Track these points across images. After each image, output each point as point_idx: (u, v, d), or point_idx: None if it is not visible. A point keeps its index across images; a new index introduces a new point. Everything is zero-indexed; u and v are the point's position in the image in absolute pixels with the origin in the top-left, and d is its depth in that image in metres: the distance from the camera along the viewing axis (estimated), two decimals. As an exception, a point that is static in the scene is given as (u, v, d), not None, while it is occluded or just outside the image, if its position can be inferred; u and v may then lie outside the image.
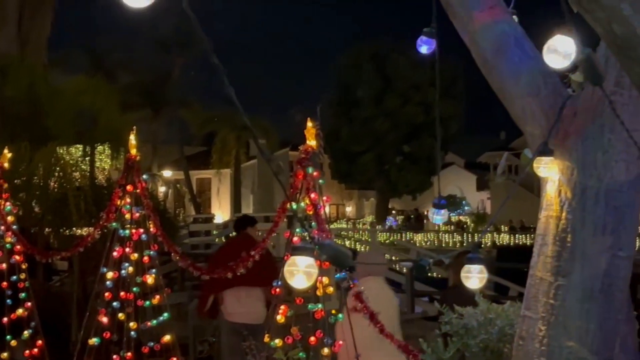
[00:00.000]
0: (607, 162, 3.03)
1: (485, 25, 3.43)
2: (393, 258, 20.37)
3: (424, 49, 3.61)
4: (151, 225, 8.33)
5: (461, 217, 50.82)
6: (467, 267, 2.66)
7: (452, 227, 43.67)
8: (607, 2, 2.23)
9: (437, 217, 3.58)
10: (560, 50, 2.17)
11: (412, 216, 49.48)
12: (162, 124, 39.06)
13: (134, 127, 8.55)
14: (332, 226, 37.47)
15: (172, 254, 7.89)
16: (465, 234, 39.29)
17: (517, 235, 36.92)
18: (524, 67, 3.30)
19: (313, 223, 7.25)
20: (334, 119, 49.13)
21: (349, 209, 60.58)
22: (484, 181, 58.36)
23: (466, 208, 55.82)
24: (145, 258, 8.11)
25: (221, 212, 42.64)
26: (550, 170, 3.12)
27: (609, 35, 2.29)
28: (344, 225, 46.74)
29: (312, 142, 7.81)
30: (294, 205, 7.09)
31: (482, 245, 35.53)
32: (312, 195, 7.25)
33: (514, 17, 4.64)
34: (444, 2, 3.55)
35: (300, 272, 2.05)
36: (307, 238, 6.99)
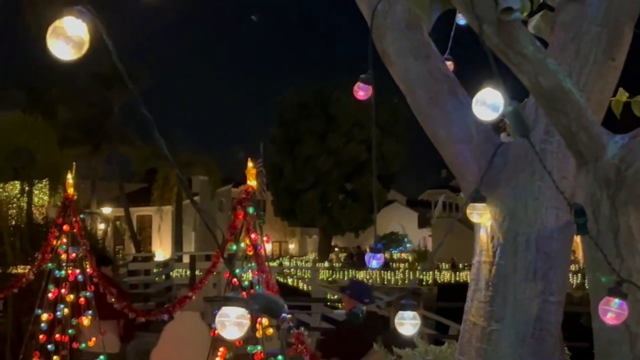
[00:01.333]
0: (538, 209, 3.09)
1: (420, 74, 3.50)
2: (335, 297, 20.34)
3: (360, 95, 3.65)
4: (88, 266, 8.19)
5: (403, 255, 51.16)
6: (400, 313, 2.67)
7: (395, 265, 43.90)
8: (533, 56, 2.30)
9: (374, 261, 3.59)
10: (489, 103, 2.23)
11: (354, 254, 49.61)
12: (102, 160, 38.63)
13: (73, 164, 8.45)
14: (274, 264, 37.28)
15: (108, 295, 7.76)
16: (407, 271, 39.51)
17: (458, 272, 37.30)
18: (457, 115, 3.37)
19: (253, 263, 7.23)
20: (278, 156, 49.27)
21: (292, 246, 60.48)
22: (426, 218, 58.99)
23: (408, 245, 56.26)
24: (82, 299, 7.96)
25: (162, 250, 42.09)
26: (482, 217, 3.17)
27: (536, 88, 2.36)
28: (287, 263, 46.57)
29: (252, 183, 7.82)
30: (233, 246, 7.07)
31: (424, 283, 35.80)
32: (252, 236, 7.24)
33: (451, 63, 4.75)
34: (380, 50, 3.61)
35: (232, 323, 2.04)
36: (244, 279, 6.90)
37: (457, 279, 36.19)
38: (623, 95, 5.00)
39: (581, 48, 3.06)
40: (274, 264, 38.18)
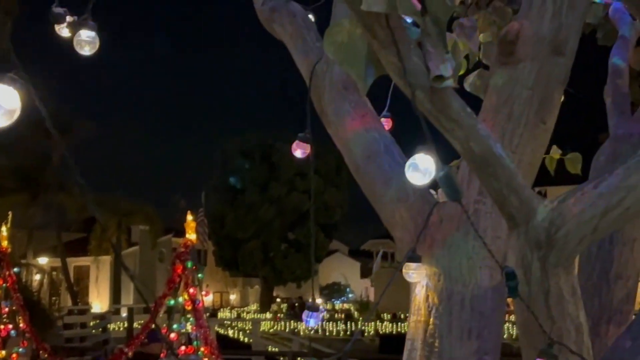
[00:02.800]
0: (472, 269, 3.13)
1: (357, 133, 3.55)
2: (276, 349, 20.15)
3: (298, 154, 3.68)
4: (21, 321, 7.96)
5: (345, 305, 51.00)
6: None
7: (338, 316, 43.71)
8: (465, 122, 2.35)
9: (311, 320, 3.58)
10: (421, 168, 2.27)
11: (296, 304, 49.28)
12: (39, 208, 37.82)
13: (9, 214, 8.27)
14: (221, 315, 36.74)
15: (41, 352, 7.56)
16: (349, 322, 39.35)
17: (400, 323, 37.30)
18: (393, 174, 3.42)
19: (191, 318, 7.13)
20: (220, 205, 48.96)
21: (233, 297, 59.78)
22: (368, 268, 59.07)
23: (350, 296, 56.15)
24: (14, 355, 7.73)
25: (99, 302, 41.16)
26: (418, 276, 3.20)
27: (468, 153, 2.41)
28: (228, 314, 45.98)
29: (191, 236, 7.75)
30: (171, 301, 6.97)
31: (365, 334, 35.66)
32: (191, 290, 7.15)
33: (388, 120, 4.82)
34: (318, 109, 3.66)
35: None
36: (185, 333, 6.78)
37: (400, 330, 36.18)
38: (556, 153, 5.15)
39: (513, 111, 3.14)
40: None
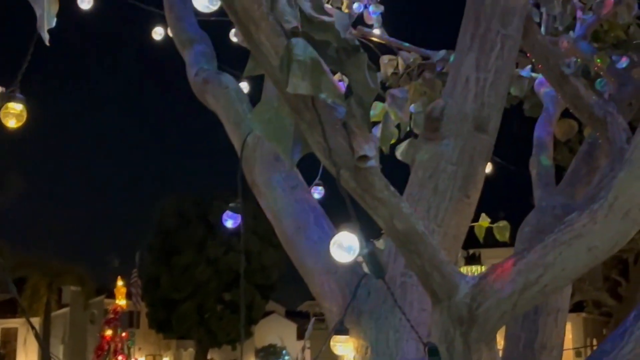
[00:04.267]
0: (399, 342, 3.16)
1: (287, 204, 3.59)
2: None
3: (229, 224, 3.69)
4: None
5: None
6: None
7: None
8: (389, 201, 2.41)
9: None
10: (345, 246, 2.31)
11: (231, 367, 48.43)
12: (-34, 268, 36.56)
13: None
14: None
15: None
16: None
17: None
18: (322, 246, 3.45)
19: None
20: (154, 265, 48.13)
21: (167, 360, 58.37)
22: (304, 330, 58.52)
23: (286, 358, 55.44)
24: None
25: (27, 365, 39.73)
26: (345, 348, 3.21)
27: (391, 230, 2.47)
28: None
29: (121, 302, 7.62)
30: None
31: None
32: (120, 358, 7.01)
33: (321, 188, 4.88)
34: (249, 180, 3.70)
35: None
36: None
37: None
38: (485, 221, 5.27)
39: (438, 185, 3.23)
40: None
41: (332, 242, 2.35)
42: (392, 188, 2.43)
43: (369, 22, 5.93)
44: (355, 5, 5.81)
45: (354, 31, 5.91)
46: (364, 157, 2.32)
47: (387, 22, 6.10)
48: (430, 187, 3.23)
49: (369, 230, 2.66)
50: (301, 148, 2.46)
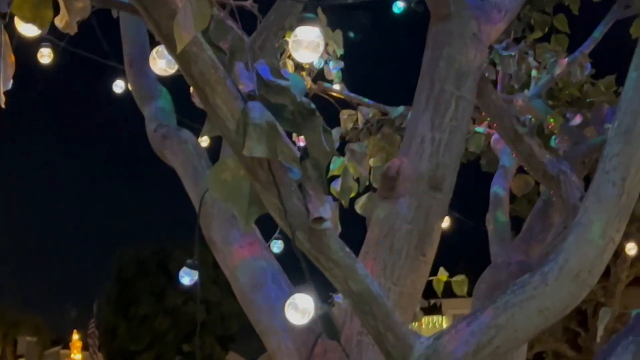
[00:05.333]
0: (355, 400, 3.15)
1: (244, 261, 3.59)
2: None
3: (186, 280, 3.67)
4: None
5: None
6: None
7: None
8: (343, 262, 2.43)
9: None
10: (300, 307, 2.32)
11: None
12: None
13: None
14: None
15: None
16: None
17: None
18: (279, 303, 3.43)
19: None
20: (112, 316, 47.26)
21: (123, 412, 57.01)
22: (264, 382, 57.75)
23: (246, 410, 54.50)
24: None
25: (-23, 419, 38.50)
26: (302, 407, 3.19)
27: (346, 291, 2.48)
28: None
29: (77, 356, 7.47)
30: None
31: None
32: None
33: (279, 242, 4.88)
34: (207, 236, 3.69)
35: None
36: None
37: None
38: (444, 275, 5.29)
39: (394, 244, 3.26)
40: None
41: (287, 303, 2.35)
42: (347, 249, 2.45)
43: (329, 78, 6.01)
44: (315, 61, 5.88)
45: (314, 86, 5.99)
46: (319, 219, 2.34)
47: (347, 77, 6.20)
48: (387, 246, 3.26)
49: (326, 287, 2.68)
50: (257, 209, 2.47)
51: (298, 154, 2.29)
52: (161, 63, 2.39)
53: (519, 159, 4.76)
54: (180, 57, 2.10)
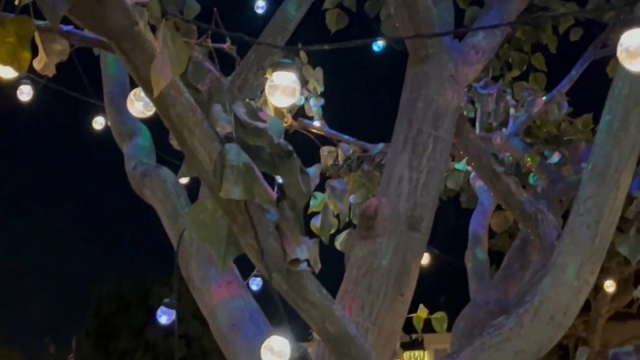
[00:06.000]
0: None
1: (222, 300, 3.57)
2: None
3: (163, 319, 3.65)
4: None
5: None
6: None
7: None
8: (320, 304, 2.43)
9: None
10: (276, 350, 2.32)
11: None
12: None
13: None
14: None
15: None
16: None
17: None
18: (257, 343, 3.41)
19: None
20: (91, 351, 46.62)
21: None
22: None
23: None
24: None
25: None
26: None
27: (323, 333, 2.48)
28: None
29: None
30: None
31: None
32: None
33: (257, 280, 4.86)
34: (185, 275, 3.67)
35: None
36: None
37: None
38: (423, 312, 5.29)
39: (373, 283, 3.26)
40: None
41: (263, 346, 2.35)
42: (324, 291, 2.45)
43: (310, 114, 6.05)
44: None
45: (295, 123, 6.02)
46: (296, 261, 2.35)
47: (328, 114, 6.24)
48: (365, 285, 3.26)
49: (305, 324, 2.67)
50: (234, 250, 2.47)
51: (275, 195, 2.30)
52: (139, 105, 2.41)
53: (496, 198, 4.79)
54: (157, 101, 2.12)
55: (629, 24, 1.96)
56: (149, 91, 2.09)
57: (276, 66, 2.24)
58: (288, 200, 2.43)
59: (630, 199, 4.85)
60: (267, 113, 2.48)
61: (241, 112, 2.36)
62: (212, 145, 2.24)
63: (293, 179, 2.42)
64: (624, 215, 5.07)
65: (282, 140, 2.41)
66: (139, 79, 2.14)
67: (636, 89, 2.59)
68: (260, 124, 2.35)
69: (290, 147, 2.42)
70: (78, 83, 5.45)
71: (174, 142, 2.32)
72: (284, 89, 2.22)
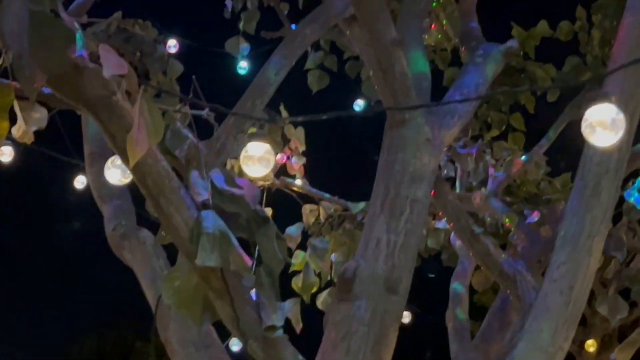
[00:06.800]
0: None
1: (201, 362, 3.56)
2: None
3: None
4: None
5: None
6: None
7: None
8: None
9: None
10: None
11: None
12: None
13: None
14: None
15: None
16: None
17: None
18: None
19: None
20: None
21: None
22: None
23: None
24: None
25: None
26: None
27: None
28: None
29: None
30: None
31: None
32: None
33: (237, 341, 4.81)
34: (163, 338, 3.67)
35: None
36: None
37: None
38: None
39: (351, 347, 3.24)
40: None
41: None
42: (300, 357, 2.45)
43: (292, 173, 6.08)
44: (278, 156, 5.96)
45: (276, 181, 6.05)
46: (272, 327, 2.35)
47: (309, 172, 6.27)
48: (343, 349, 3.24)
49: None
50: (210, 316, 2.48)
51: (250, 262, 2.32)
52: (116, 173, 2.44)
53: (475, 258, 4.81)
54: (134, 169, 2.14)
55: (593, 99, 2.02)
56: (126, 160, 2.12)
57: (251, 137, 2.28)
58: (264, 266, 2.44)
59: (608, 259, 4.90)
60: (244, 179, 2.51)
61: (218, 178, 2.39)
62: (188, 213, 2.26)
63: (269, 245, 2.43)
64: (604, 275, 5.13)
65: (258, 207, 2.43)
66: (116, 147, 2.16)
67: (606, 156, 2.65)
68: (236, 191, 2.38)
69: (266, 214, 2.44)
70: (60, 141, 5.46)
71: (150, 209, 2.34)
72: (258, 159, 2.26)
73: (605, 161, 2.67)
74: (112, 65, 1.86)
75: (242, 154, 2.29)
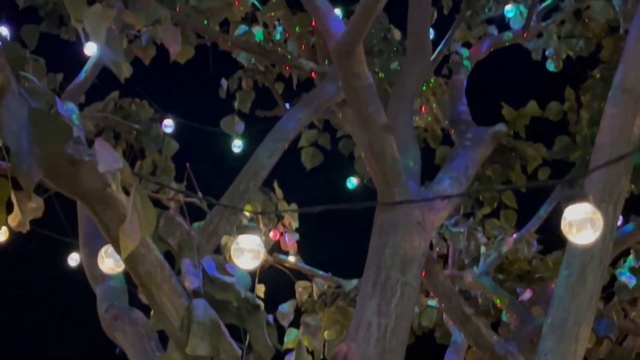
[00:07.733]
0: None
1: None
2: None
3: None
4: None
5: None
6: None
7: None
8: None
9: None
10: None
11: None
12: None
13: None
14: None
15: None
16: None
17: None
18: None
19: None
20: None
21: None
22: None
23: None
24: None
25: None
26: None
27: None
28: None
29: None
30: None
31: None
32: None
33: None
34: None
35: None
36: None
37: None
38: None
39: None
40: None
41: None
42: None
43: (285, 249, 6.11)
44: (271, 234, 6.01)
45: (270, 258, 6.07)
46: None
47: (303, 249, 6.30)
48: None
49: None
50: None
51: (239, 351, 2.34)
52: (109, 262, 2.48)
53: (467, 339, 4.81)
54: (127, 259, 2.18)
55: (572, 199, 2.08)
56: (118, 250, 2.16)
57: (241, 229, 2.33)
58: (254, 353, 2.46)
59: (600, 340, 4.90)
60: (235, 266, 2.55)
61: (209, 266, 2.43)
62: (179, 301, 2.29)
63: (259, 332, 2.46)
64: (597, 355, 5.12)
65: (249, 294, 2.46)
66: (109, 237, 2.21)
67: (590, 245, 2.69)
68: (227, 279, 2.42)
69: (258, 301, 2.47)
70: (55, 220, 5.50)
71: (142, 297, 2.37)
72: (249, 251, 2.30)
73: (590, 249, 2.72)
74: (107, 160, 1.91)
75: (233, 247, 2.34)
